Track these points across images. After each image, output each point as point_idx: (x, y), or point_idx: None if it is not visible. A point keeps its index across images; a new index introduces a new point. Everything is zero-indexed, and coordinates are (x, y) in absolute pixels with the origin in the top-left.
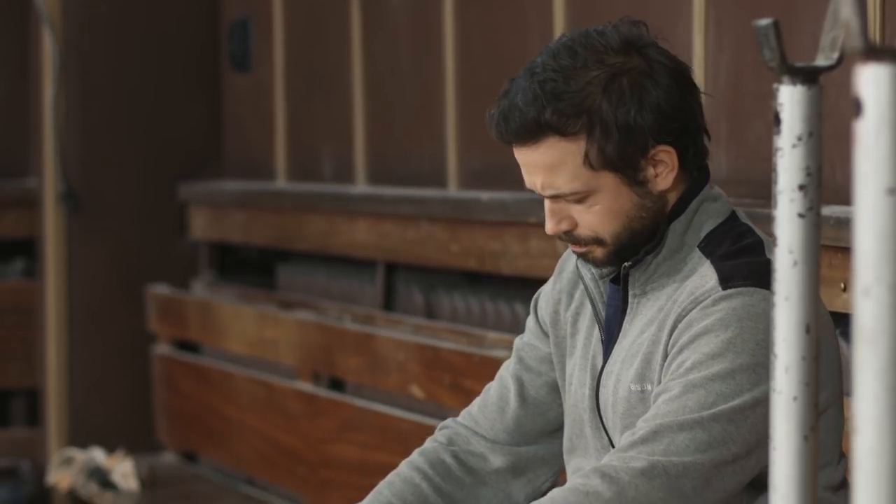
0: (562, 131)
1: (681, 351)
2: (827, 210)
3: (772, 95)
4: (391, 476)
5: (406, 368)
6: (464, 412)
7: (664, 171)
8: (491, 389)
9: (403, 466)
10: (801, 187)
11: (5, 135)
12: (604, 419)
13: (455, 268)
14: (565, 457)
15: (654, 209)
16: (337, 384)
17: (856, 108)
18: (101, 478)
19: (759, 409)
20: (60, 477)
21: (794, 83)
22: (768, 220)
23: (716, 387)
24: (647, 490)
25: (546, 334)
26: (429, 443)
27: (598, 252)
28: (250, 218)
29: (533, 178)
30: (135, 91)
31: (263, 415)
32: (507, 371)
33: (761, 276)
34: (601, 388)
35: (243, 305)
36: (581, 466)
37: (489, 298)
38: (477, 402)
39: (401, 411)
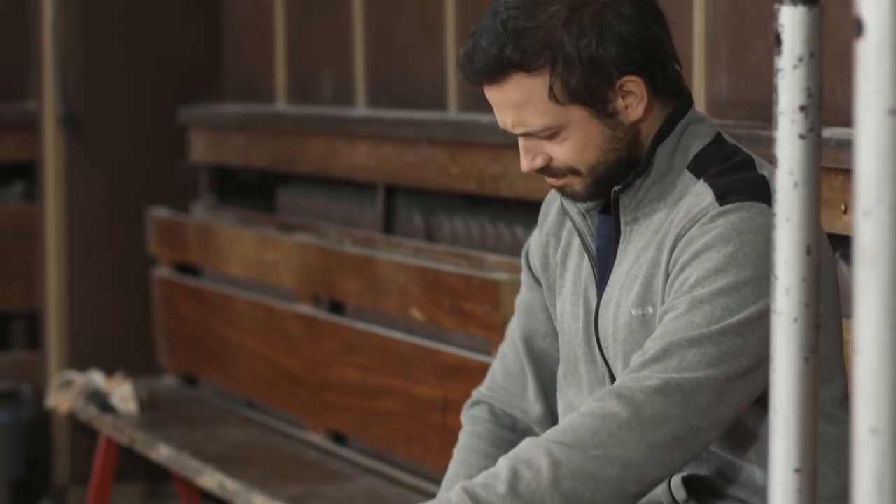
0: (525, 68)
1: (683, 269)
2: (828, 132)
3: (773, 17)
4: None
5: (406, 291)
6: (490, 383)
7: (634, 102)
8: (506, 354)
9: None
10: (802, 108)
11: (5, 58)
12: (603, 349)
13: (455, 190)
14: (558, 394)
15: (627, 139)
16: (337, 307)
17: (857, 28)
18: (100, 400)
19: (766, 320)
20: (60, 400)
21: (794, 4)
22: (769, 142)
23: (721, 301)
24: (663, 408)
25: (539, 282)
26: (474, 426)
27: (576, 184)
28: (250, 141)
29: (503, 117)
30: (134, 14)
31: (263, 338)
32: (513, 332)
33: (757, 191)
34: (600, 319)
35: (243, 228)
36: (572, 402)
37: (489, 221)
38: (498, 370)
39: (401, 334)
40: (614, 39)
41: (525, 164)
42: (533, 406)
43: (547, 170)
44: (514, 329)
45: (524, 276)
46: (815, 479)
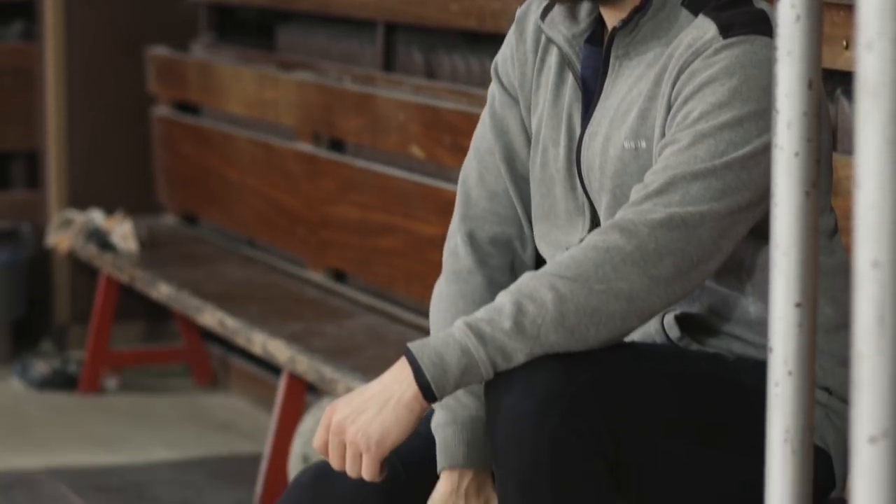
0: None
1: (686, 102)
2: None
3: None
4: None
5: (406, 129)
6: (473, 211)
7: None
8: (485, 177)
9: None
10: None
11: None
12: (585, 181)
13: (455, 27)
14: (534, 220)
15: None
16: (337, 145)
17: None
18: (100, 239)
19: (769, 154)
20: (60, 239)
21: None
22: None
23: (725, 135)
24: (666, 241)
25: (516, 101)
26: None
27: None
28: None
29: None
30: None
31: (263, 176)
32: (489, 154)
33: (760, 24)
34: (583, 150)
35: (243, 66)
36: (546, 232)
37: (489, 58)
38: (480, 195)
39: (401, 171)
40: None
41: None
42: (525, 229)
43: None
44: (489, 150)
45: (497, 94)
46: (816, 314)
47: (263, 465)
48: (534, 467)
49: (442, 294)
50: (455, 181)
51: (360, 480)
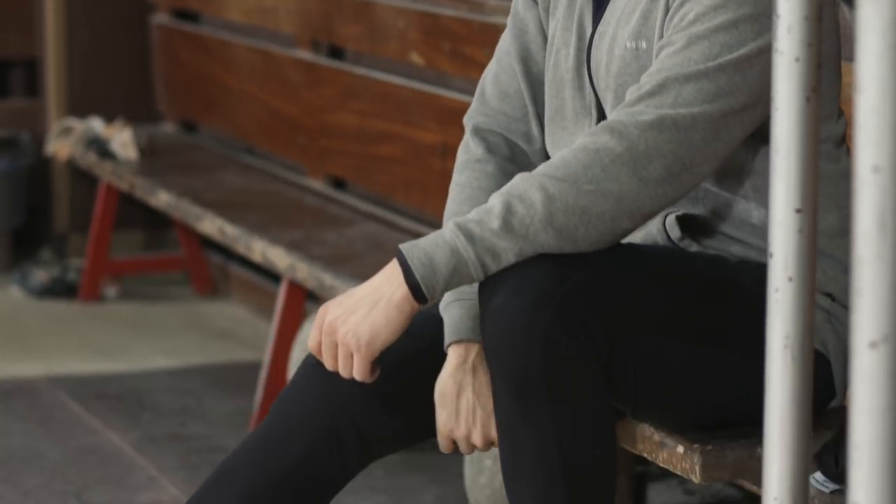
0: None
1: (682, 4)
2: None
3: None
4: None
5: (406, 36)
6: (484, 108)
7: None
8: (500, 77)
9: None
10: None
11: None
12: (594, 79)
13: None
14: (545, 124)
15: None
16: (336, 52)
17: None
18: (99, 147)
19: (764, 57)
20: (59, 147)
21: None
22: None
23: (720, 38)
24: (657, 143)
25: (535, 1)
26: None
27: None
28: None
29: None
30: None
31: (263, 84)
32: (508, 54)
33: None
34: (593, 49)
35: None
36: (555, 134)
37: None
38: (493, 93)
39: (400, 79)
40: None
41: None
42: (533, 128)
43: None
44: (507, 51)
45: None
46: (816, 219)
47: (263, 373)
48: (527, 367)
49: (454, 184)
50: (455, 89)
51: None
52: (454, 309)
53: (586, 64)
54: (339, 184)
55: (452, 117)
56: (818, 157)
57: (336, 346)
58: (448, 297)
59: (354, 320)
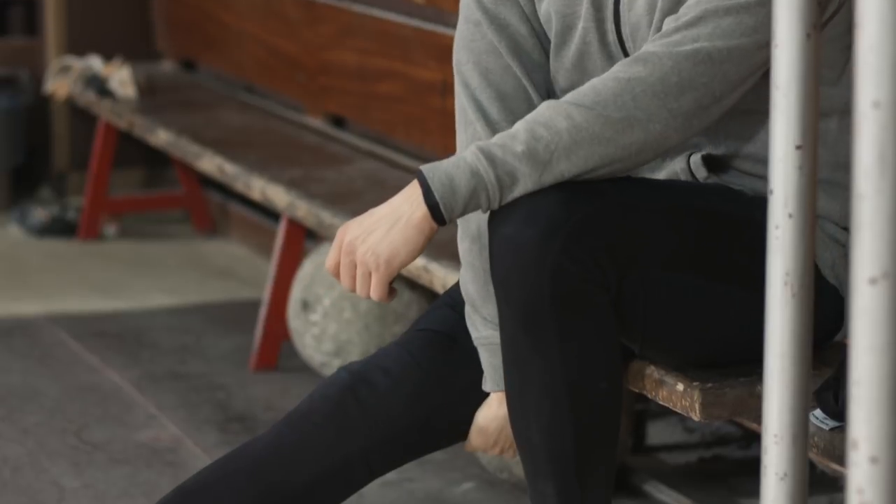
0: None
1: None
2: None
3: None
4: None
5: None
6: (484, 129)
7: None
8: (490, 85)
9: None
10: None
11: None
12: (628, 44)
13: None
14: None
15: None
16: None
17: None
18: (98, 85)
19: None
20: (58, 85)
21: None
22: None
23: None
24: (690, 76)
25: None
26: None
27: None
28: None
29: None
30: None
31: (262, 22)
32: (493, 51)
33: None
34: (623, 13)
35: None
36: (558, 69)
37: None
38: (492, 106)
39: (400, 16)
40: None
41: None
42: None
43: None
44: (489, 52)
45: None
46: (816, 155)
47: (262, 311)
48: (536, 297)
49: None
50: (455, 26)
51: (391, 389)
52: (495, 355)
53: (615, 31)
54: (338, 122)
55: (452, 55)
56: (819, 93)
57: (354, 265)
58: (486, 334)
59: (373, 239)
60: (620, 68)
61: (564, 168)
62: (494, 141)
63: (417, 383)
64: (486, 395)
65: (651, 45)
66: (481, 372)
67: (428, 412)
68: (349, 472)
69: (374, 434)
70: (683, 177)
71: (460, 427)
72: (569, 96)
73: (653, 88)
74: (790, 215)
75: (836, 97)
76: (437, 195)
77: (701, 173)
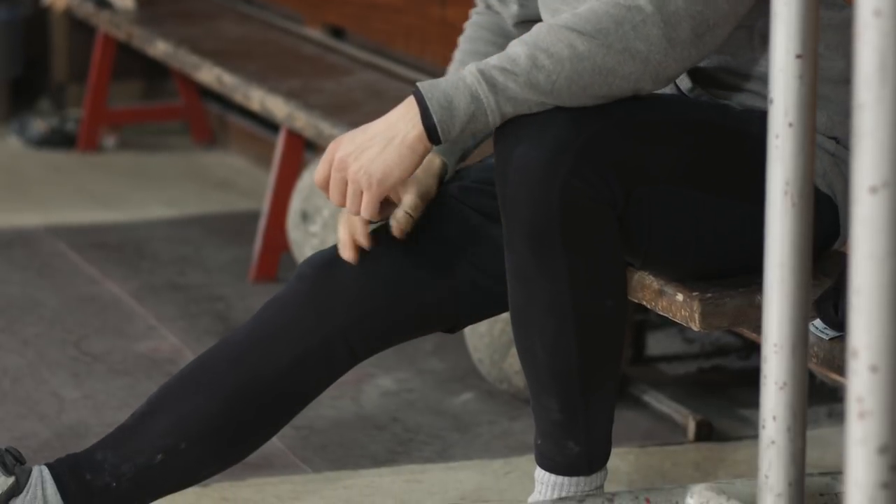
0: None
1: None
2: None
3: None
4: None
5: None
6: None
7: None
8: None
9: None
10: None
11: None
12: None
13: None
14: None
15: None
16: None
17: None
18: None
19: None
20: None
21: None
22: None
23: None
24: (685, 3)
25: None
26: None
27: None
28: None
29: None
30: None
31: None
32: None
33: None
34: None
35: None
36: None
37: None
38: None
39: None
40: None
41: None
42: None
43: None
44: None
45: None
46: (816, 65)
47: (262, 222)
48: (543, 216)
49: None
50: None
51: (364, 273)
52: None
53: None
54: (337, 32)
55: None
56: (819, 2)
57: (345, 182)
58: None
59: (367, 157)
60: None
61: (566, 97)
62: (494, 63)
63: (393, 262)
64: (461, 267)
65: None
66: (456, 249)
67: (403, 289)
68: (329, 351)
69: (352, 312)
70: (668, 88)
71: (440, 308)
72: (569, 20)
73: (652, 18)
74: (790, 124)
75: (823, 19)
76: (435, 117)
77: (685, 84)
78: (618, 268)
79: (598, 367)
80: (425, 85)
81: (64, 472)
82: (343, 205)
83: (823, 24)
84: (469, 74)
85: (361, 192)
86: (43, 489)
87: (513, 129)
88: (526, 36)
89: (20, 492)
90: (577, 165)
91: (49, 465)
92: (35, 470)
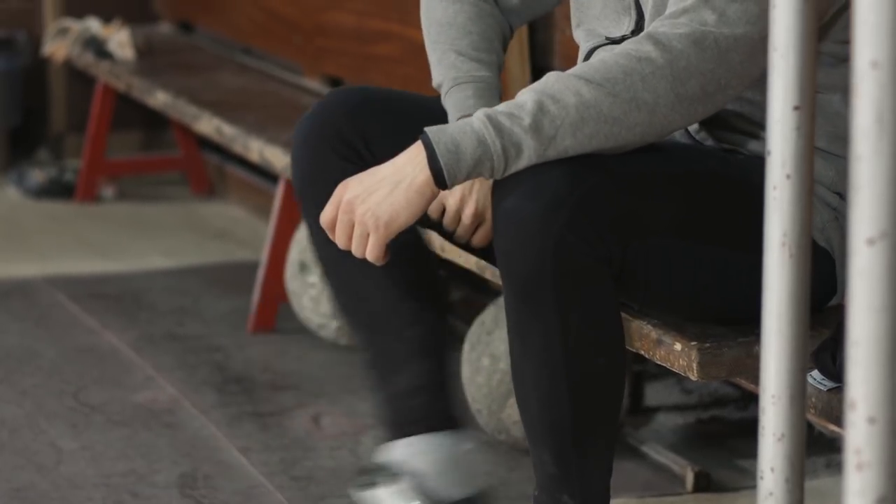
0: None
1: None
2: None
3: None
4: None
5: None
6: None
7: None
8: None
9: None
10: None
11: None
12: None
13: None
14: (573, 17)
15: None
16: None
17: None
18: (96, 47)
19: None
20: (56, 47)
21: None
22: None
23: None
24: (697, 61)
25: None
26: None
27: None
28: None
29: None
30: None
31: None
32: None
33: None
34: None
35: None
36: (585, 27)
37: None
38: None
39: None
40: None
41: None
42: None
43: None
44: None
45: None
46: (814, 117)
47: (260, 273)
48: (537, 270)
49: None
50: None
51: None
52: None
53: None
54: (336, 83)
55: None
56: (816, 55)
57: (352, 224)
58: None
59: (374, 200)
60: (633, 46)
61: (569, 144)
62: (502, 109)
63: None
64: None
65: (661, 24)
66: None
67: None
68: None
69: None
70: (677, 133)
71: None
72: (579, 69)
73: (662, 71)
74: (788, 176)
75: (839, 77)
76: (441, 161)
77: (693, 126)
78: (613, 324)
79: (592, 421)
80: (433, 129)
81: None
82: (349, 247)
83: (840, 83)
84: (476, 120)
85: (368, 235)
86: None
87: (510, 181)
88: (535, 84)
89: None
90: (573, 220)
91: None
92: None
